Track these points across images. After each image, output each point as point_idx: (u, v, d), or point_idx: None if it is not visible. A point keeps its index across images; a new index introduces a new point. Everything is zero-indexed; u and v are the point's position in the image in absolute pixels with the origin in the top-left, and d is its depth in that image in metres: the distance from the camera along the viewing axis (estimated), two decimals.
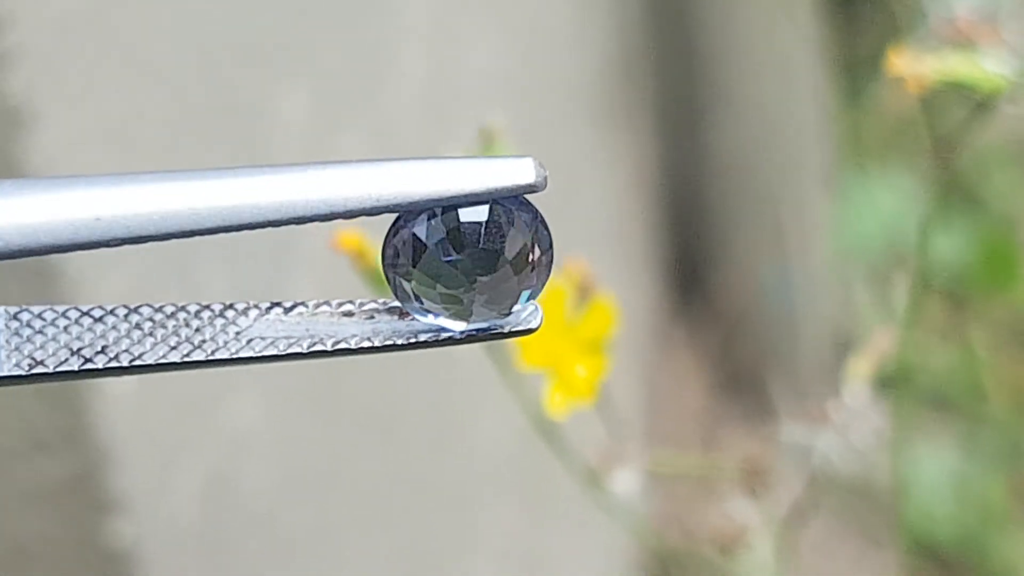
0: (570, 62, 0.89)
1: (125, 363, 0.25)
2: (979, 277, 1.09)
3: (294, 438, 0.52)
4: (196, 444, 0.46)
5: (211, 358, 0.25)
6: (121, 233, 0.23)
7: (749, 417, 1.05)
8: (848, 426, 0.49)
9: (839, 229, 1.11)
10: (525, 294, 0.25)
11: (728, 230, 1.11)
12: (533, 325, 0.26)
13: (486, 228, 0.25)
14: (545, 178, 0.25)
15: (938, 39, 0.43)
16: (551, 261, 0.26)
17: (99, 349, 0.25)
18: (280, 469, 0.51)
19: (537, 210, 0.25)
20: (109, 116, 0.40)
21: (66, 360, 0.25)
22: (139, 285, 0.41)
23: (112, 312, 0.26)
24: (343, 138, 0.54)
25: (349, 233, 0.40)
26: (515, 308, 0.26)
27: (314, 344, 0.26)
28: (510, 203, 0.25)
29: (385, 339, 0.26)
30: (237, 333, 0.26)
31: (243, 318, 0.26)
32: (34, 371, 0.25)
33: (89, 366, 0.25)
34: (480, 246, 0.25)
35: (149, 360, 0.25)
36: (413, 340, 0.26)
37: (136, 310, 0.26)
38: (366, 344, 0.26)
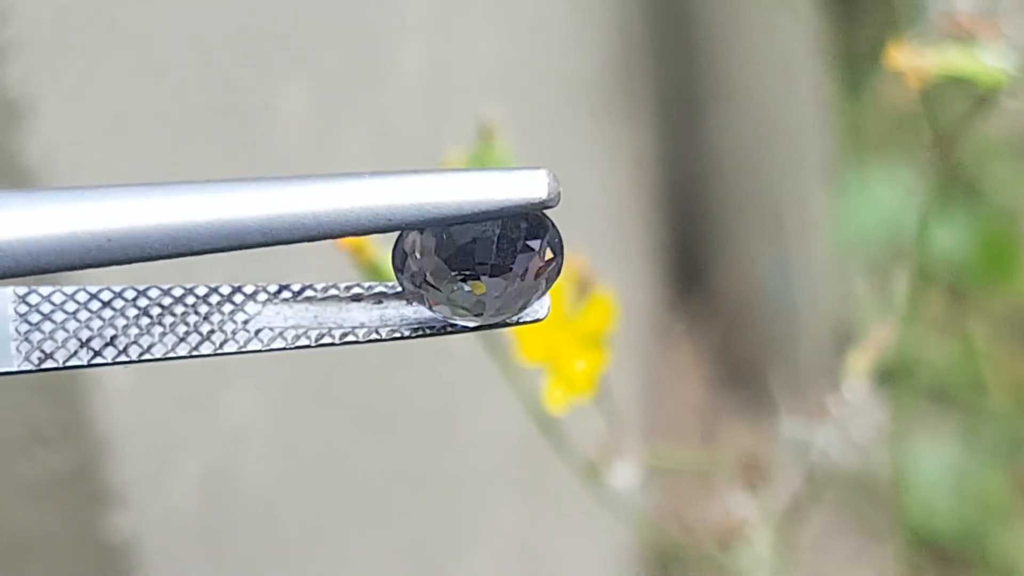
0: (570, 57, 0.89)
1: (134, 356, 0.25)
2: (979, 270, 1.09)
3: (293, 432, 0.52)
4: (195, 438, 0.46)
5: (219, 351, 0.25)
6: (135, 251, 0.23)
7: (748, 411, 1.05)
8: (847, 420, 0.49)
9: (839, 223, 1.11)
10: (535, 296, 0.25)
11: (728, 224, 1.11)
12: (541, 315, 0.26)
13: (498, 244, 0.24)
14: (559, 192, 0.24)
15: (938, 33, 0.43)
16: (562, 264, 0.25)
17: (108, 340, 0.25)
18: (279, 463, 0.51)
19: (549, 220, 0.25)
20: (108, 110, 0.40)
21: (75, 353, 0.25)
22: (140, 269, 0.41)
23: (120, 295, 0.25)
24: (343, 134, 0.54)
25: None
26: (526, 310, 0.25)
27: (322, 336, 0.25)
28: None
29: (393, 329, 0.25)
30: (245, 321, 0.25)
31: (251, 303, 0.26)
32: (44, 366, 0.25)
33: (98, 360, 0.25)
34: (492, 262, 0.24)
35: (157, 354, 0.25)
36: (421, 329, 0.26)
37: (144, 292, 0.25)
38: (374, 337, 0.25)
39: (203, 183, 0.24)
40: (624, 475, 0.49)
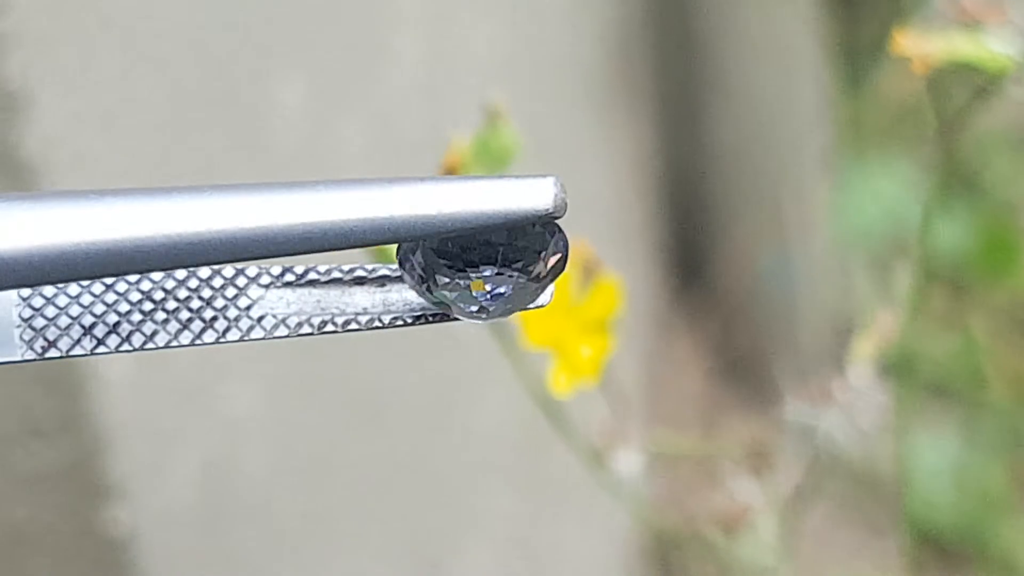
0: (569, 50, 0.89)
1: (137, 345, 0.25)
2: (980, 264, 1.08)
3: (291, 424, 0.51)
4: (193, 430, 0.46)
5: (221, 339, 0.25)
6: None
7: (749, 404, 1.05)
8: (852, 405, 0.49)
9: (839, 216, 1.11)
10: (540, 294, 0.25)
11: (729, 217, 1.11)
12: (543, 302, 0.26)
13: (503, 254, 0.24)
14: (565, 203, 0.23)
15: (943, 19, 0.42)
16: (566, 262, 0.25)
17: (111, 326, 0.25)
18: (277, 455, 0.51)
19: (555, 224, 0.24)
20: (105, 102, 0.40)
21: (79, 341, 0.25)
22: None
23: (123, 277, 0.25)
24: (341, 127, 0.54)
25: None
26: (531, 305, 0.25)
27: (324, 324, 0.25)
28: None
29: (396, 316, 0.25)
30: (248, 307, 0.25)
31: (255, 287, 0.25)
32: (47, 354, 0.25)
33: (102, 349, 0.25)
34: (496, 271, 0.24)
35: (160, 342, 0.25)
36: (424, 316, 0.25)
37: (147, 274, 0.25)
38: (376, 324, 0.25)
39: (204, 191, 0.23)
40: (628, 461, 0.49)
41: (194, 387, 0.45)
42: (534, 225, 0.24)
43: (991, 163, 1.11)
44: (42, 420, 0.41)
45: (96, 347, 0.25)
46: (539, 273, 0.24)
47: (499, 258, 0.24)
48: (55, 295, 0.25)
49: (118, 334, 0.25)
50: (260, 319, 0.25)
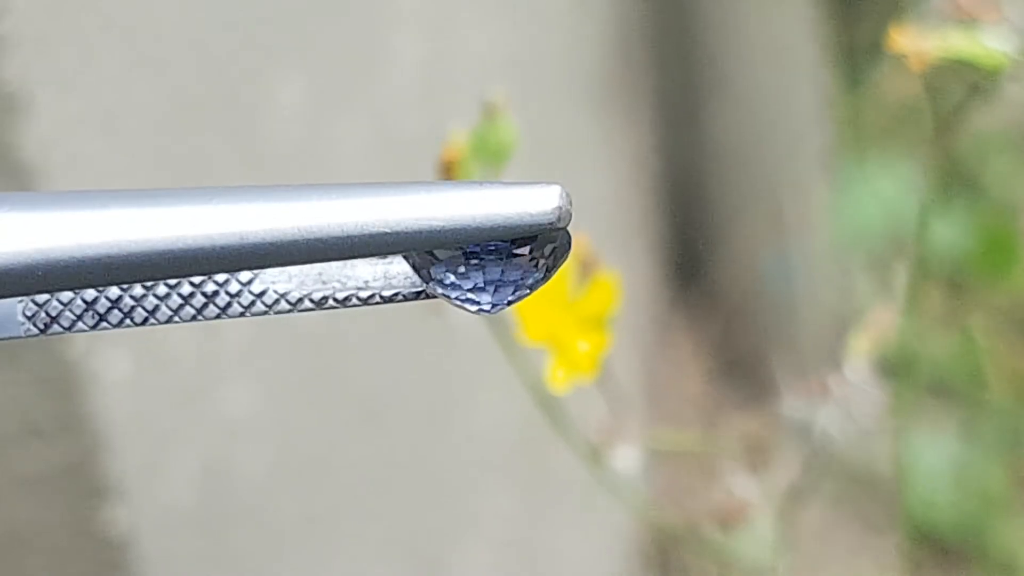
0: (568, 50, 0.89)
1: (139, 320, 0.25)
2: (979, 264, 1.08)
3: (290, 424, 0.51)
4: (192, 431, 0.46)
5: (223, 314, 0.25)
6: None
7: (748, 403, 1.05)
8: (848, 400, 0.49)
9: (838, 216, 1.11)
10: (539, 285, 0.25)
11: (728, 216, 1.11)
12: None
13: (505, 266, 0.24)
14: (569, 213, 0.23)
15: (939, 17, 0.42)
16: (569, 251, 0.25)
17: (113, 301, 0.25)
18: (276, 455, 0.51)
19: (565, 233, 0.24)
20: (104, 102, 0.40)
21: (81, 316, 0.24)
22: None
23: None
24: (340, 126, 0.54)
25: None
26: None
27: (325, 299, 0.25)
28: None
29: (396, 290, 0.25)
30: (249, 281, 0.25)
31: None
32: (50, 330, 0.24)
33: (104, 325, 0.25)
34: (499, 281, 0.24)
35: (162, 318, 0.25)
36: (424, 292, 0.25)
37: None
38: (377, 300, 0.25)
39: (204, 196, 0.23)
40: (626, 458, 0.48)
41: (193, 388, 0.45)
42: (536, 243, 0.24)
43: (990, 163, 1.11)
44: (41, 421, 0.41)
45: (98, 323, 0.25)
46: (541, 267, 0.24)
47: (500, 274, 0.24)
48: None
49: (120, 309, 0.25)
50: (261, 294, 0.25)
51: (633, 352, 0.97)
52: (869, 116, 1.19)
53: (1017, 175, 1.12)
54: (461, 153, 0.40)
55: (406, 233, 0.23)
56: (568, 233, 0.24)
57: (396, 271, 0.25)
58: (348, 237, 0.23)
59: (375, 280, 0.25)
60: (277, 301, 0.25)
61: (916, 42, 0.42)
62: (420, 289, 0.25)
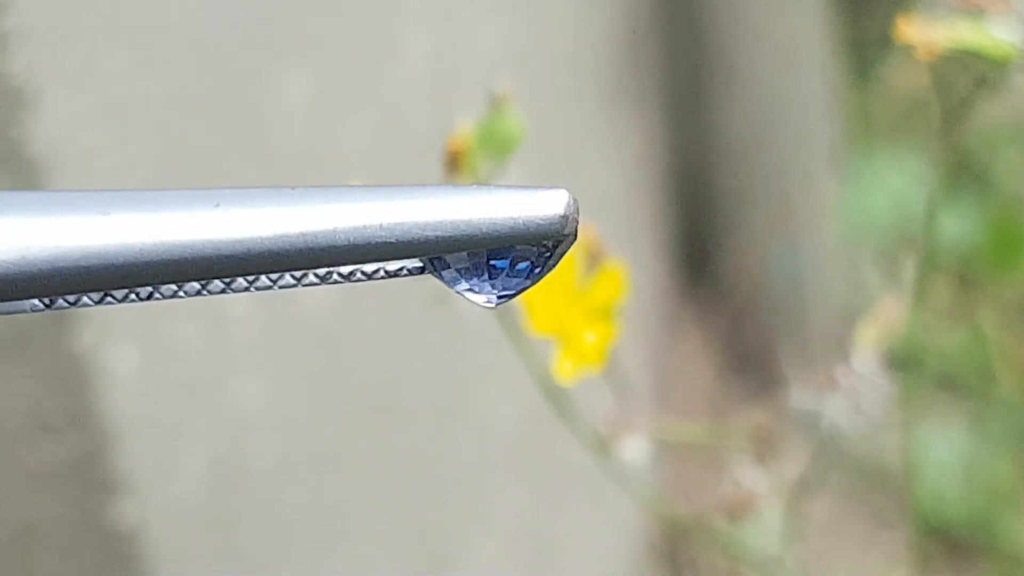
0: (578, 41, 0.89)
1: (144, 295, 0.24)
2: (987, 258, 1.08)
3: (298, 418, 0.51)
4: (201, 425, 0.46)
5: (228, 289, 0.25)
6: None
7: (757, 396, 1.05)
8: (856, 391, 0.49)
9: (847, 210, 1.11)
10: (547, 272, 0.25)
11: (736, 210, 1.11)
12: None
13: (509, 265, 0.24)
14: (576, 218, 0.23)
15: (947, 8, 0.42)
16: (575, 240, 0.25)
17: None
18: (285, 449, 0.51)
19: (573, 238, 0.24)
20: (110, 98, 0.40)
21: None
22: None
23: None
24: (347, 122, 0.54)
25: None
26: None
27: (329, 274, 0.25)
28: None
29: (401, 263, 0.25)
30: None
31: None
32: (55, 305, 0.24)
33: (109, 300, 0.24)
34: (503, 278, 0.24)
35: (167, 293, 0.25)
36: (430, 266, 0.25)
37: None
38: (381, 275, 0.25)
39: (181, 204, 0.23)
40: (634, 450, 0.48)
41: (202, 382, 0.46)
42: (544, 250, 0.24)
43: (999, 156, 1.11)
44: (50, 415, 0.41)
45: (103, 298, 0.24)
46: (547, 266, 0.24)
47: (506, 252, 0.24)
48: None
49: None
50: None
51: (641, 344, 0.97)
52: (877, 110, 1.18)
53: None
54: (467, 144, 0.40)
55: (410, 243, 0.23)
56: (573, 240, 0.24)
57: None
58: (352, 245, 0.23)
59: None
60: (282, 276, 0.25)
61: (924, 33, 0.42)
62: (424, 264, 0.25)
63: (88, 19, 0.39)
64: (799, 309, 1.11)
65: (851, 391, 0.49)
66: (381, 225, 0.23)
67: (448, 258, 0.24)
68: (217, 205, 0.23)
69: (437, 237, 0.23)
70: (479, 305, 0.25)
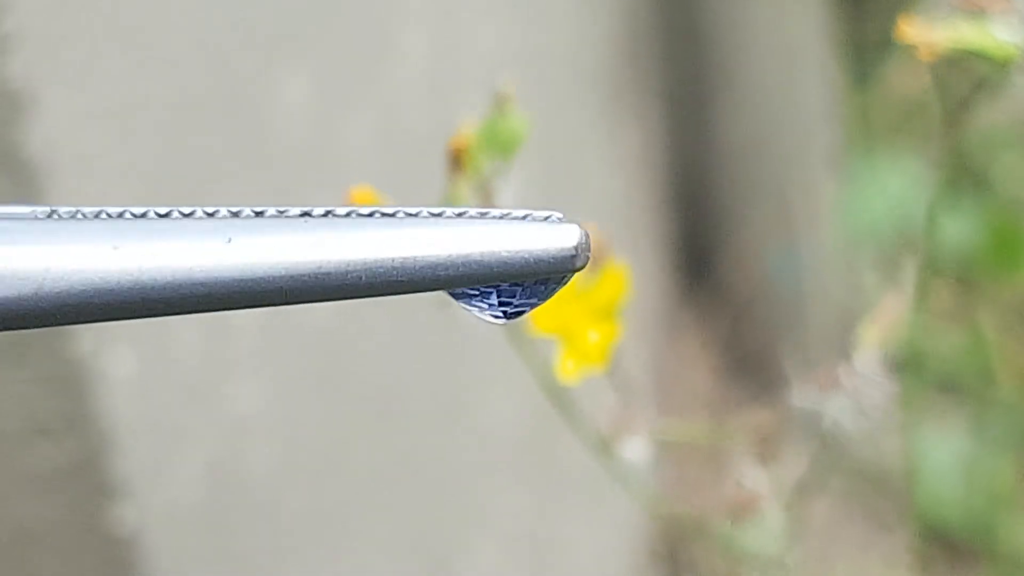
0: (578, 43, 0.89)
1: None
2: (987, 260, 1.08)
3: (298, 420, 0.51)
4: (199, 429, 0.45)
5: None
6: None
7: (757, 397, 1.05)
8: (857, 391, 0.49)
9: (847, 212, 1.11)
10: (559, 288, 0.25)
11: (736, 213, 1.11)
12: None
13: (519, 291, 0.24)
14: (587, 253, 0.23)
15: (949, 9, 0.42)
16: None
17: None
18: (283, 452, 0.50)
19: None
20: (109, 100, 0.40)
21: None
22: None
23: (143, 216, 0.25)
24: (347, 122, 0.54)
25: (362, 189, 0.39)
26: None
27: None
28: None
29: None
30: None
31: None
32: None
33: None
34: (513, 302, 0.24)
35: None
36: None
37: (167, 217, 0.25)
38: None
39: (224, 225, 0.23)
40: (636, 450, 0.48)
41: (200, 385, 0.45)
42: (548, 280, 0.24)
43: (999, 158, 1.11)
44: (48, 419, 0.41)
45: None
46: (556, 290, 0.24)
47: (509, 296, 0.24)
48: None
49: None
50: None
51: (643, 346, 0.97)
52: (877, 112, 1.18)
53: None
54: (470, 143, 0.40)
55: (422, 280, 0.23)
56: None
57: None
58: (364, 283, 0.23)
59: None
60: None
61: (925, 33, 0.42)
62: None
63: (87, 21, 0.39)
64: (799, 310, 1.11)
65: (852, 392, 0.49)
66: (393, 261, 0.23)
67: None
68: (229, 240, 0.23)
69: (449, 275, 0.23)
70: (487, 322, 0.25)
